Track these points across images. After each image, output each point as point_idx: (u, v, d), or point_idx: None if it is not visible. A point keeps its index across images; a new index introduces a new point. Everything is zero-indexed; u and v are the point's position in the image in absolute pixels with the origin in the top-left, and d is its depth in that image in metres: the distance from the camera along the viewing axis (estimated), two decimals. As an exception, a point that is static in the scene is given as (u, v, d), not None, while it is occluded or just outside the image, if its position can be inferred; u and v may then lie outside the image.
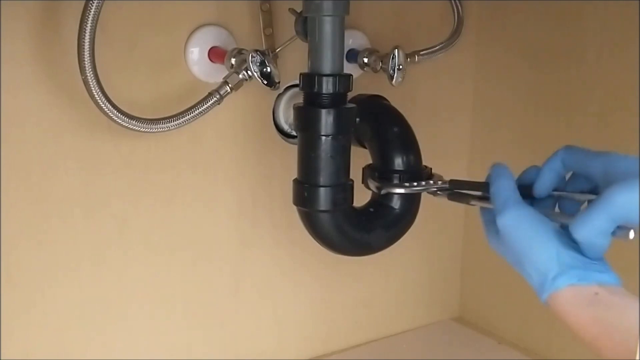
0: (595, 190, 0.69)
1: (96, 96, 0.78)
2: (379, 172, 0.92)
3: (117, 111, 0.80)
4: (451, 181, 0.82)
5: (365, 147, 0.95)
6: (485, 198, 0.73)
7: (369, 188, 0.93)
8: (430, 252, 1.22)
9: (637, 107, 0.93)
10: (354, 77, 0.87)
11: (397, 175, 0.91)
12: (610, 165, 0.66)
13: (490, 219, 0.72)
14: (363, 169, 0.94)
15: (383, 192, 0.90)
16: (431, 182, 0.85)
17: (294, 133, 1.00)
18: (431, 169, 0.93)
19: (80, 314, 0.92)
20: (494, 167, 0.72)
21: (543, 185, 0.71)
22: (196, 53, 0.91)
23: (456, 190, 0.80)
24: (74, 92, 0.83)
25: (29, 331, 0.89)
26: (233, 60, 0.88)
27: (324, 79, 0.83)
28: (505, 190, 0.69)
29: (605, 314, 0.60)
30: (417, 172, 0.92)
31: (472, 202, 0.76)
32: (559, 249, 0.64)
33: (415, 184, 0.86)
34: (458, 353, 1.16)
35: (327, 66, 0.84)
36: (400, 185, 0.89)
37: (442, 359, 1.13)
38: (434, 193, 0.83)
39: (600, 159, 0.67)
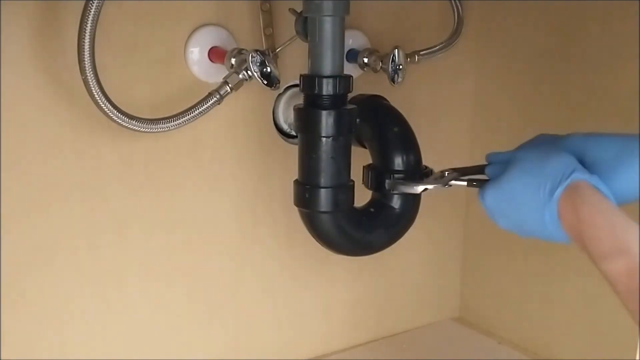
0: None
1: (96, 96, 0.78)
2: (381, 173, 0.92)
3: (117, 111, 0.80)
4: (454, 170, 0.84)
5: (365, 147, 0.95)
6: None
7: (368, 187, 0.93)
8: (430, 252, 1.22)
9: (637, 107, 0.93)
10: (354, 77, 0.87)
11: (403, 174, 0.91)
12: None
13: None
14: (364, 166, 0.94)
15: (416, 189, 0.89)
16: (443, 175, 0.85)
17: (293, 133, 1.00)
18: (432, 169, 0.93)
19: (80, 314, 0.92)
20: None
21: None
22: (196, 53, 0.91)
23: (466, 177, 0.83)
24: (74, 92, 0.83)
25: (29, 331, 0.89)
26: (233, 60, 0.88)
27: (324, 80, 0.83)
28: None
29: (613, 213, 0.65)
30: (418, 172, 0.92)
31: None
32: (575, 160, 0.70)
33: (432, 179, 0.87)
34: (458, 353, 1.16)
35: (327, 67, 0.84)
36: (424, 182, 0.88)
37: (442, 359, 1.13)
38: (446, 184, 0.84)
39: (567, 146, 0.74)
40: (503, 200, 0.74)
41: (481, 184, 0.78)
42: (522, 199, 0.71)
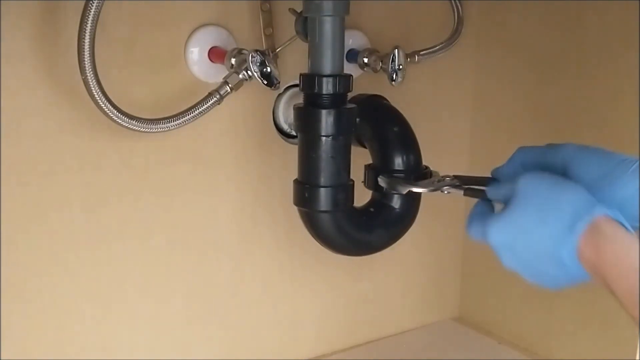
0: None
1: (96, 96, 0.78)
2: (379, 172, 0.92)
3: (117, 111, 0.80)
4: (456, 177, 0.82)
5: (365, 147, 0.95)
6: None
7: (368, 187, 0.93)
8: (430, 252, 1.22)
9: (637, 107, 0.93)
10: (354, 77, 0.87)
11: (404, 173, 0.90)
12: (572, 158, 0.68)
13: (488, 208, 0.73)
14: (365, 166, 0.94)
15: (402, 191, 0.88)
16: (442, 179, 0.83)
17: (294, 133, 1.00)
18: (431, 170, 0.93)
19: (80, 313, 0.92)
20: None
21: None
22: (196, 53, 0.91)
23: (467, 186, 0.80)
24: (74, 92, 0.83)
25: (29, 331, 0.89)
26: (233, 60, 0.88)
27: (324, 79, 0.83)
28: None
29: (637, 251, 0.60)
30: (417, 172, 0.92)
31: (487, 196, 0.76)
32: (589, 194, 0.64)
33: (426, 182, 0.85)
34: (458, 353, 1.16)
35: (327, 66, 0.84)
36: (414, 185, 0.86)
37: (442, 359, 1.13)
38: (442, 189, 0.82)
39: (558, 154, 0.69)
40: (512, 235, 0.67)
41: (478, 193, 0.76)
42: (534, 234, 0.65)
